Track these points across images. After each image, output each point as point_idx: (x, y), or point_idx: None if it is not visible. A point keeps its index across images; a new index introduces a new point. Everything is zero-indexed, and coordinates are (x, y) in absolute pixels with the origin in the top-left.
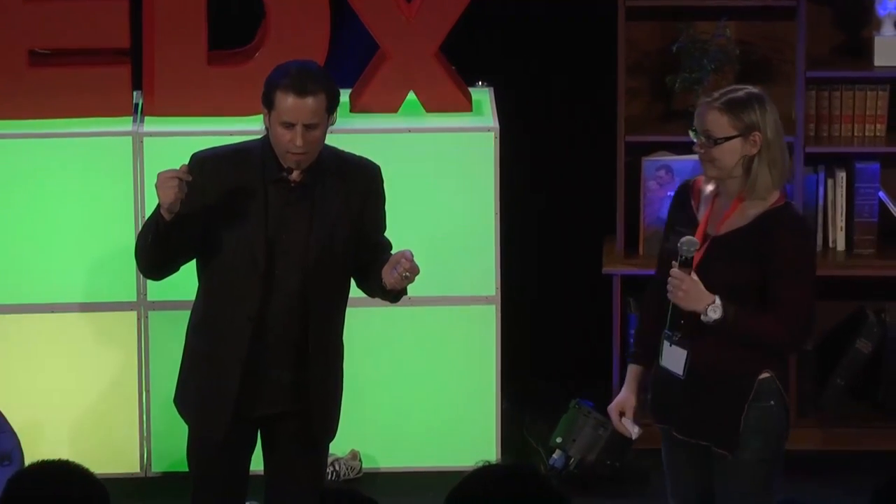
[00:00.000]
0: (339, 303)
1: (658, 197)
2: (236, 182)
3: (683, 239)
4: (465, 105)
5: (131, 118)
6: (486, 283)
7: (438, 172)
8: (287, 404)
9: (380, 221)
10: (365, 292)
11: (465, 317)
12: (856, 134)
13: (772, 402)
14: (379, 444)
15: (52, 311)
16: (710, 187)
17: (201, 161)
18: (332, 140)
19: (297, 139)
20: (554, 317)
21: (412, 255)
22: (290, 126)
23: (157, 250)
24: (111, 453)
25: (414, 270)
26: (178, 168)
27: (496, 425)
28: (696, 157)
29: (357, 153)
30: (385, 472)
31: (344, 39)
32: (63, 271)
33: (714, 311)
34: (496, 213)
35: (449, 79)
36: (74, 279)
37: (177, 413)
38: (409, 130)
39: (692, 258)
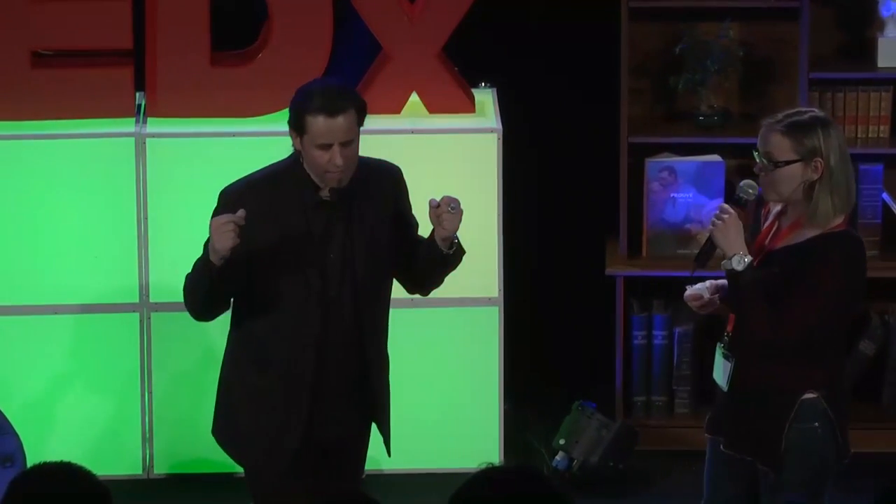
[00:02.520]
0: (386, 312)
1: (661, 198)
2: (275, 210)
3: (743, 182)
4: (468, 106)
5: (134, 119)
6: (489, 284)
7: (441, 173)
8: (353, 424)
9: (413, 219)
10: (419, 290)
11: (468, 318)
12: (859, 135)
13: (816, 424)
14: (381, 445)
15: (55, 313)
16: (778, 207)
17: (236, 195)
18: None
19: (337, 158)
20: (557, 318)
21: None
22: (326, 147)
23: (211, 296)
24: (114, 455)
25: (453, 201)
26: (231, 214)
27: (499, 427)
28: (698, 158)
29: (361, 154)
30: (388, 474)
31: (347, 40)
32: (66, 273)
33: (739, 261)
34: (499, 215)
35: (452, 80)
36: (77, 281)
37: (178, 415)
38: (413, 131)
39: (746, 201)
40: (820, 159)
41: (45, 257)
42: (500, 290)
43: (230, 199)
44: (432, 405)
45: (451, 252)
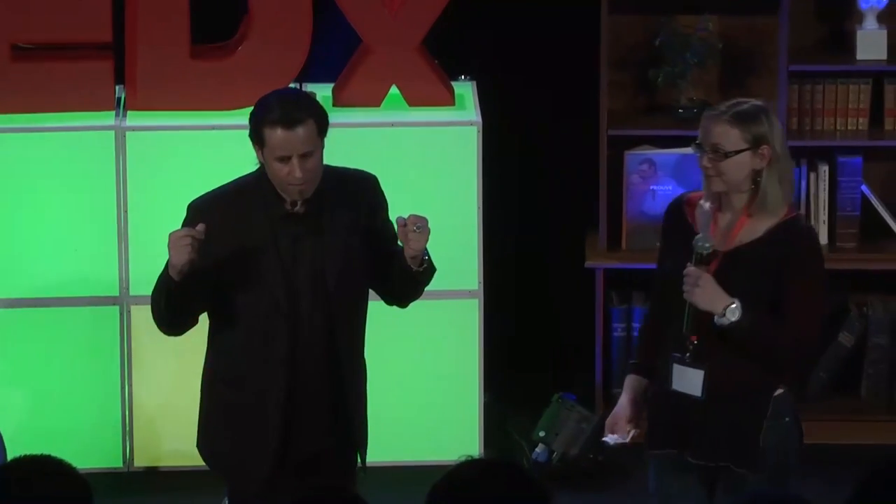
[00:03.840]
0: (362, 322)
1: (640, 191)
2: (242, 225)
3: (697, 236)
4: (448, 99)
5: (114, 112)
6: (469, 277)
7: (421, 166)
8: (328, 439)
9: (391, 230)
10: (396, 303)
11: (447, 311)
12: (838, 128)
13: (787, 419)
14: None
15: (35, 306)
16: (707, 204)
17: (201, 209)
18: None
19: (296, 171)
20: (536, 311)
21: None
22: (285, 160)
23: (172, 311)
24: (93, 448)
25: (419, 220)
26: (189, 228)
27: (479, 419)
28: (678, 151)
29: (340, 148)
30: (369, 467)
31: (327, 33)
32: (45, 266)
33: (733, 312)
34: (478, 207)
35: (432, 73)
36: (57, 274)
37: (158, 408)
38: (392, 125)
39: (708, 255)
40: (767, 146)
41: (25, 251)
42: (479, 283)
43: (196, 212)
44: (412, 398)
45: (421, 270)
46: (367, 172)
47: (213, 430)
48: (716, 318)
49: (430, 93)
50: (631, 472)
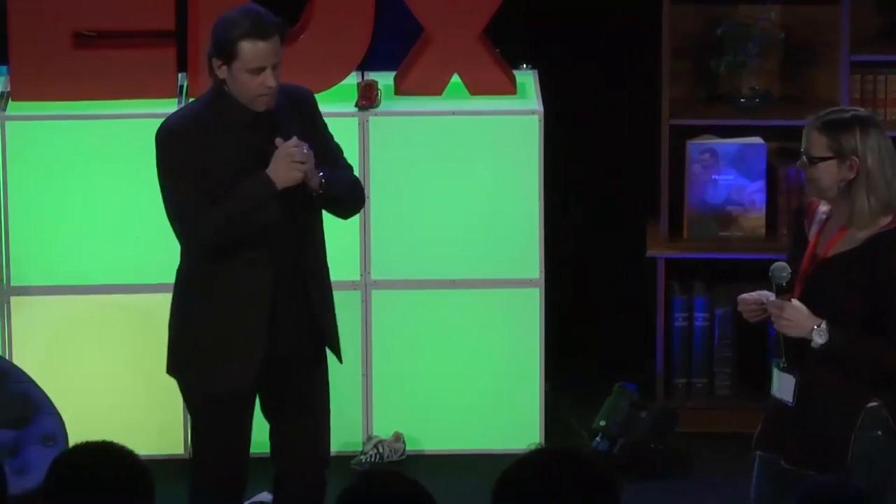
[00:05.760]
0: (321, 228)
1: (702, 180)
2: (216, 135)
3: (773, 266)
4: (510, 88)
5: (176, 100)
6: (531, 266)
7: (482, 155)
8: (304, 344)
9: (334, 143)
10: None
11: (509, 300)
12: None
13: (879, 433)
14: (423, 426)
15: (98, 293)
16: (823, 208)
17: (180, 130)
18: (378, 123)
19: (270, 80)
20: (598, 300)
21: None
22: (259, 71)
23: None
24: (155, 435)
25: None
26: (299, 147)
27: (540, 408)
28: (740, 140)
29: (402, 136)
30: (429, 455)
31: (388, 21)
32: (108, 254)
33: (820, 335)
34: (540, 196)
35: (493, 62)
36: (117, 261)
37: None
38: (454, 113)
39: (785, 284)
40: (856, 158)
41: (90, 237)
42: (541, 272)
43: (175, 134)
44: (473, 386)
45: (321, 192)
46: (304, 87)
47: (196, 341)
48: (811, 341)
49: (491, 81)
50: (692, 460)
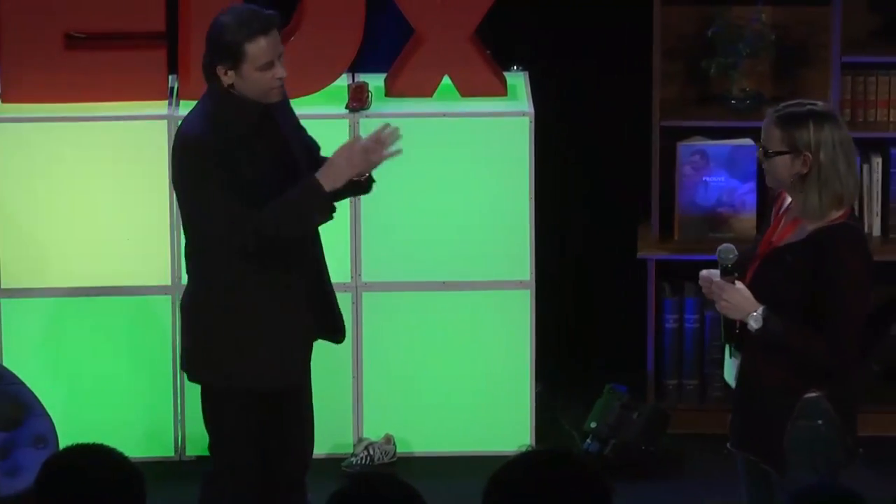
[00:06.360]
0: None
1: (693, 182)
2: (242, 142)
3: (720, 247)
4: (500, 89)
5: (167, 102)
6: (521, 267)
7: (473, 157)
8: (327, 319)
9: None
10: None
11: (499, 301)
12: (892, 119)
13: (819, 422)
14: (413, 428)
15: (88, 295)
16: (789, 198)
17: (209, 141)
18: (369, 124)
19: (280, 71)
20: (588, 301)
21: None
22: (269, 65)
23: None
24: (146, 437)
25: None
26: (373, 141)
27: (530, 410)
28: (731, 142)
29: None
30: (419, 457)
31: (379, 23)
32: (98, 256)
33: (756, 320)
34: (531, 198)
35: (484, 63)
36: (107, 263)
37: None
38: (444, 115)
39: (733, 266)
40: (808, 153)
41: (78, 239)
42: (531, 274)
43: (207, 144)
44: (464, 388)
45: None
46: None
47: (235, 339)
48: (747, 325)
49: (482, 83)
50: (683, 462)
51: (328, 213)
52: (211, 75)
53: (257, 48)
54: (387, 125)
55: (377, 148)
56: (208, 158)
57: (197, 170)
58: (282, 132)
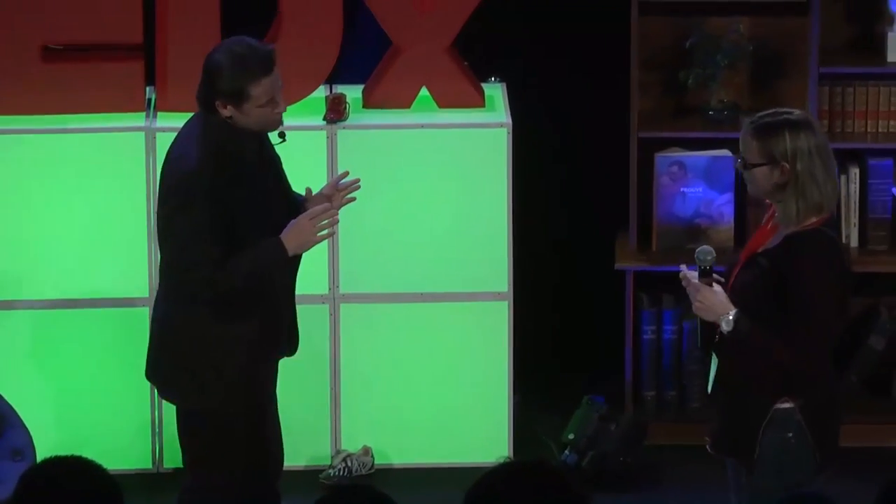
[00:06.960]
0: None
1: (670, 193)
2: (238, 175)
3: (699, 249)
4: (478, 101)
5: (144, 114)
6: (499, 279)
7: (451, 168)
8: (292, 336)
9: None
10: None
11: (477, 313)
12: (869, 130)
13: (789, 435)
14: (391, 440)
15: (65, 308)
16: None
17: (204, 174)
18: (347, 136)
19: (281, 105)
20: (566, 312)
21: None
22: (271, 102)
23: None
24: (123, 449)
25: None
26: (325, 210)
27: (509, 422)
28: (708, 153)
29: (370, 150)
30: (397, 469)
31: (357, 34)
32: (74, 268)
33: (727, 323)
34: (508, 209)
35: (462, 74)
36: (84, 275)
37: None
38: (422, 126)
39: (711, 268)
40: (785, 164)
41: (57, 252)
42: (509, 285)
43: (202, 177)
44: (442, 399)
45: None
46: None
47: (226, 362)
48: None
49: (460, 94)
50: (660, 474)
51: (288, 275)
52: (208, 106)
53: (261, 89)
54: (346, 172)
55: (338, 196)
56: (195, 195)
57: (179, 202)
58: (275, 160)
